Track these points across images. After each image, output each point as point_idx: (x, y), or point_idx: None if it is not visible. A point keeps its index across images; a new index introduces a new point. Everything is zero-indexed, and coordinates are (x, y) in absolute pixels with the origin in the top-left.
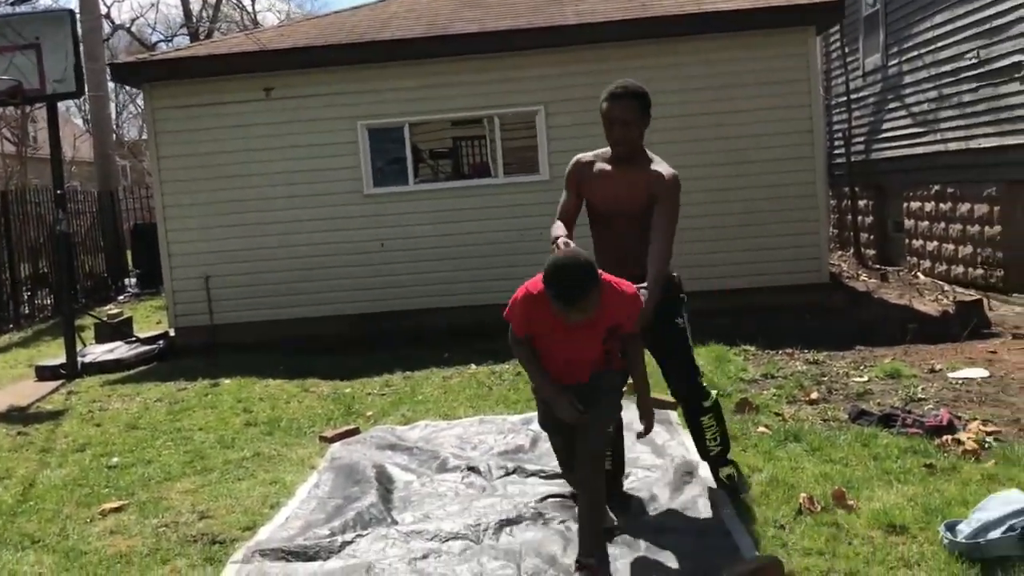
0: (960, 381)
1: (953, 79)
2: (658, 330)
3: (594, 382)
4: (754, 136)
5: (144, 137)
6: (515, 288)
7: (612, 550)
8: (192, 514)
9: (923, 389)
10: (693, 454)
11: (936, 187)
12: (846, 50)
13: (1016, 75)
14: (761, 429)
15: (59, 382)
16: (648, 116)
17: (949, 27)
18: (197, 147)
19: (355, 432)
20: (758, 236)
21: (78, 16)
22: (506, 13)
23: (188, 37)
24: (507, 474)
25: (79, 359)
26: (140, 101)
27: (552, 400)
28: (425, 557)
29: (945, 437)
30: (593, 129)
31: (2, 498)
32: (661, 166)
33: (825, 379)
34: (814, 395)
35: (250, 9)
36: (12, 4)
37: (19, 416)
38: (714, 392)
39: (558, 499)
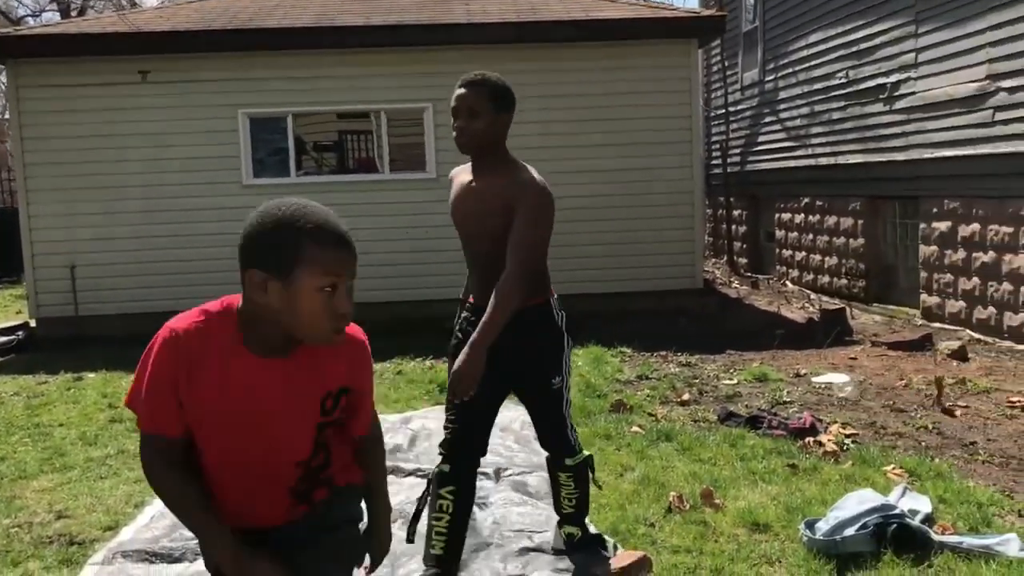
0: (823, 385)
1: (824, 97)
2: (529, 391)
3: (310, 518)
4: (635, 144)
5: (7, 116)
6: (405, 284)
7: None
8: (49, 514)
9: (788, 392)
10: None
11: (806, 199)
12: (726, 64)
13: (880, 96)
14: (635, 429)
15: None
16: (505, 116)
17: (822, 47)
18: (65, 129)
19: None
20: (636, 242)
21: None
22: (395, 8)
23: (58, 13)
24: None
25: None
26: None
27: (237, 568)
28: None
29: (807, 439)
30: None
31: None
32: (524, 173)
33: (697, 381)
34: (686, 396)
35: None
36: None
37: None
38: (585, 453)
39: None
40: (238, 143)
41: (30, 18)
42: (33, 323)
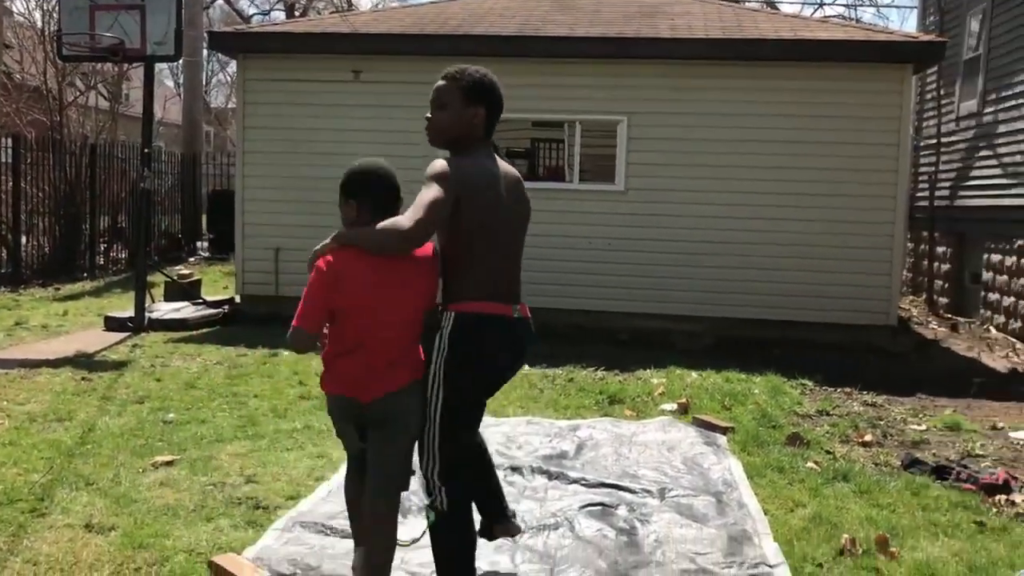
0: (1022, 442)
1: None
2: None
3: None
4: (838, 170)
5: (231, 106)
6: (582, 294)
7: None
8: (240, 477)
9: (982, 445)
10: (738, 478)
11: (1020, 242)
12: (941, 92)
13: None
14: (810, 464)
15: (125, 334)
16: (475, 110)
17: None
18: (282, 120)
19: None
20: (830, 271)
21: None
22: (599, 20)
23: (284, 12)
24: (549, 479)
25: (147, 314)
26: (231, 70)
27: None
28: None
29: (1000, 496)
30: (672, 144)
31: (62, 439)
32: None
33: (881, 423)
34: (868, 437)
35: None
36: None
37: (85, 362)
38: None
39: (598, 507)
40: None
41: (258, 16)
42: (238, 299)
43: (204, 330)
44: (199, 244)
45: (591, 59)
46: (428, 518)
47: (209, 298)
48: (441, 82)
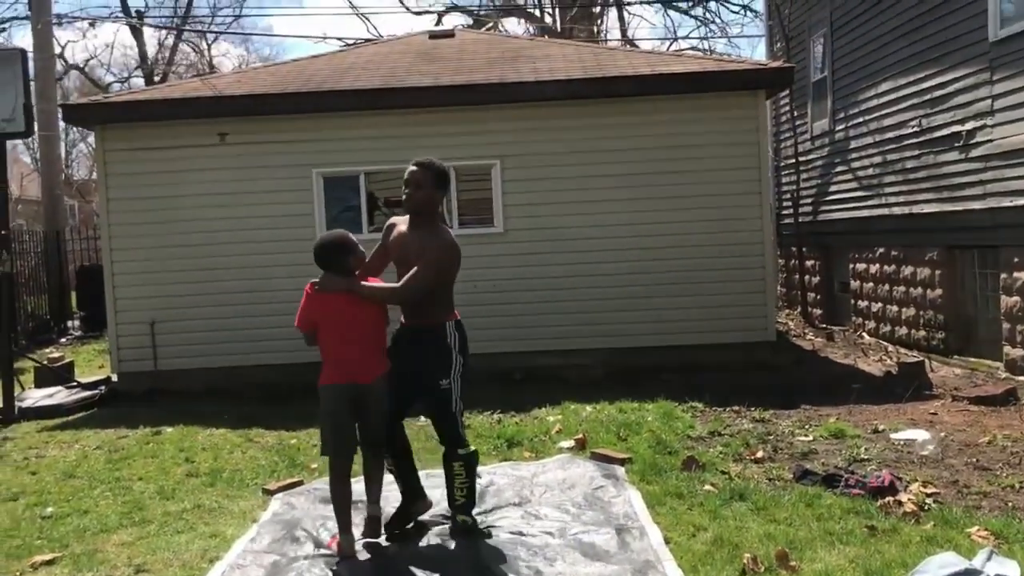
0: (902, 442)
1: (897, 146)
2: (425, 390)
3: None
4: (704, 196)
5: (94, 177)
6: (474, 337)
7: None
8: (128, 567)
9: (866, 449)
10: (638, 513)
11: (881, 250)
12: (795, 114)
13: (956, 144)
14: (707, 487)
15: None
16: (440, 192)
17: (894, 95)
18: (148, 190)
19: (299, 484)
20: (706, 294)
21: (30, 55)
22: (463, 68)
23: (143, 79)
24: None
25: (16, 404)
26: (91, 141)
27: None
28: None
29: (887, 498)
30: (546, 184)
31: None
32: (445, 236)
33: (771, 437)
34: (760, 453)
35: (207, 54)
36: None
37: None
38: (473, 448)
39: (504, 554)
40: (312, 201)
41: (117, 84)
42: (115, 377)
43: (81, 414)
44: (70, 323)
45: (459, 106)
46: (468, 451)
47: (84, 379)
48: (415, 168)
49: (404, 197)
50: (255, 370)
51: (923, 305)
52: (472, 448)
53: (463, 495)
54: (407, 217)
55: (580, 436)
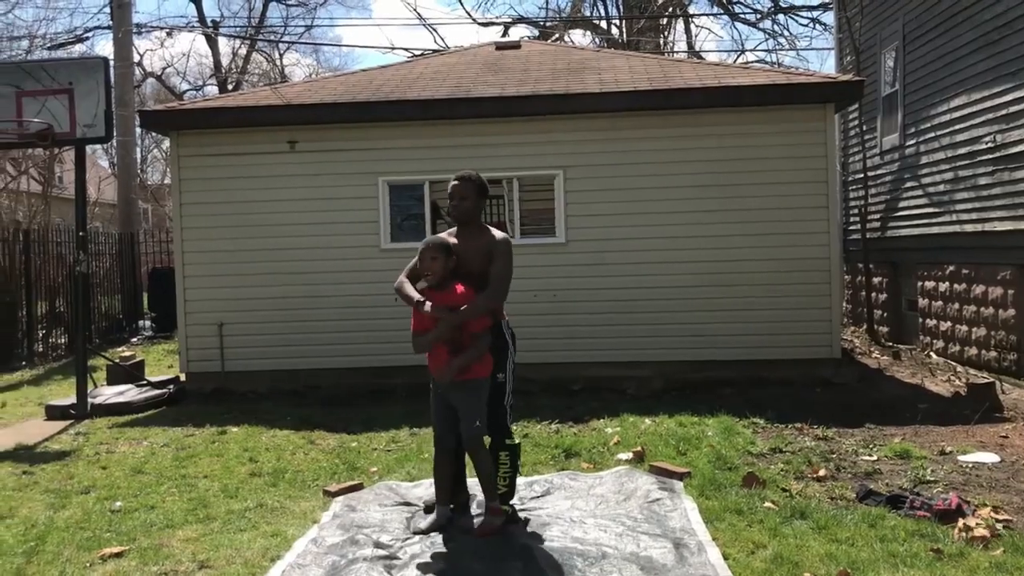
0: (970, 465)
1: (969, 162)
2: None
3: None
4: (770, 209)
5: (167, 182)
6: (532, 347)
7: None
8: (192, 563)
9: (932, 471)
10: (695, 525)
11: (951, 267)
12: (864, 128)
13: None
14: (768, 504)
15: (68, 422)
16: (482, 200)
17: (967, 110)
18: (219, 195)
19: (359, 488)
20: (771, 308)
21: (112, 63)
22: (528, 79)
23: (216, 87)
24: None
25: (89, 400)
26: (165, 147)
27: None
28: None
29: (954, 522)
30: (609, 195)
31: (3, 537)
32: (496, 232)
33: (834, 456)
34: (822, 472)
35: (279, 63)
36: (49, 49)
37: (26, 455)
38: (517, 439)
39: (563, 566)
40: (377, 209)
41: (191, 92)
42: (183, 377)
43: (150, 412)
44: (141, 324)
45: (524, 117)
46: (514, 442)
47: (153, 378)
48: (457, 182)
49: (450, 208)
50: (317, 373)
51: (994, 325)
52: (517, 440)
53: (505, 484)
54: (453, 229)
55: (638, 449)
